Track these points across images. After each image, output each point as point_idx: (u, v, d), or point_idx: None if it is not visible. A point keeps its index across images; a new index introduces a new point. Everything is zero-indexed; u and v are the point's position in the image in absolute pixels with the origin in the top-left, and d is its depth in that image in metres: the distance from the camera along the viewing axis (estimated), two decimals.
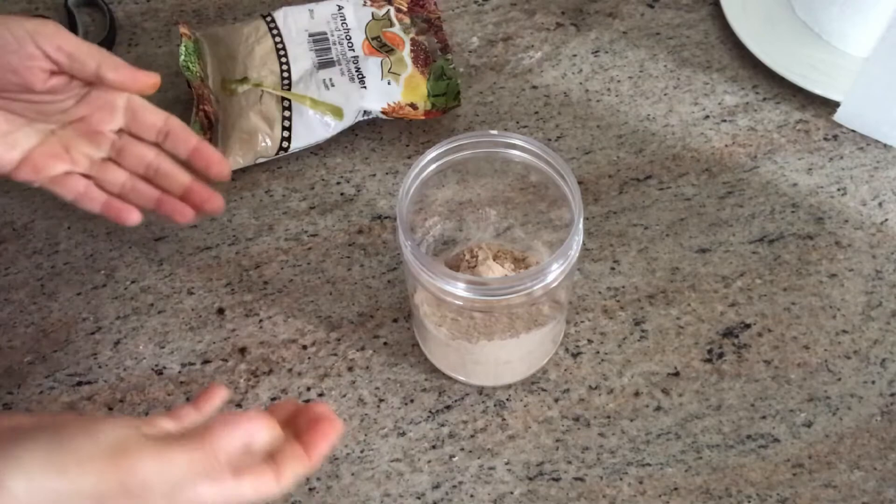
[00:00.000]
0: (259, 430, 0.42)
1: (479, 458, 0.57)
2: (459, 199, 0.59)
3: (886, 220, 0.66)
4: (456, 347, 0.56)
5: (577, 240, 0.51)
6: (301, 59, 0.69)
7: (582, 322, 0.61)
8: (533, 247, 0.60)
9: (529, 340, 0.56)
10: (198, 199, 0.57)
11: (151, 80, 0.56)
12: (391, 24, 0.71)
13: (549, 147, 0.53)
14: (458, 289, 0.50)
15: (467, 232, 0.61)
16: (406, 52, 0.70)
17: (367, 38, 0.70)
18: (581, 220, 0.51)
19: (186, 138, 0.57)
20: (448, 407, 0.58)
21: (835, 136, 0.70)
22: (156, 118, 0.57)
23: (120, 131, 0.57)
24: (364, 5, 0.72)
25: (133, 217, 0.57)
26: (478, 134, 0.54)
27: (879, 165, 0.68)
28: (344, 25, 0.71)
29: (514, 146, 0.53)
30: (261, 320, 0.62)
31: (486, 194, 0.59)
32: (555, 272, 0.50)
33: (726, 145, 0.69)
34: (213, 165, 0.57)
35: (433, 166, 0.53)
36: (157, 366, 0.60)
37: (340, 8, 0.72)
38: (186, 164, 0.58)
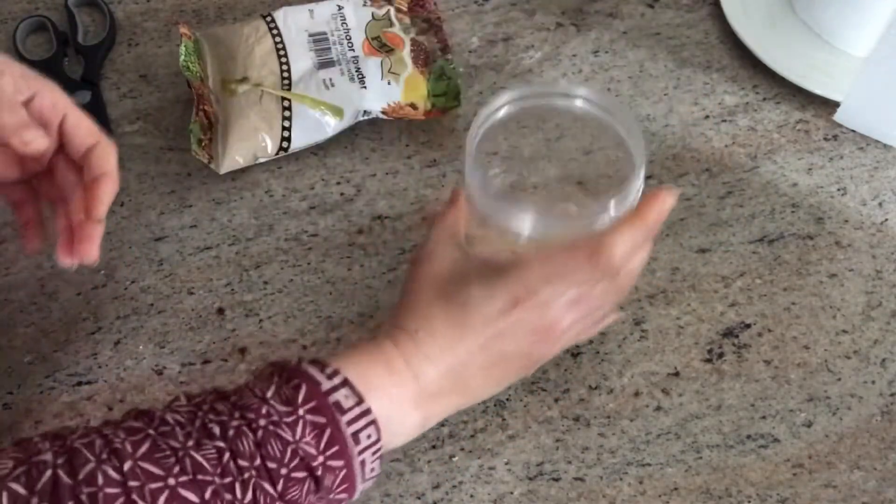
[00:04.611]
0: None
1: (479, 458, 0.57)
2: (522, 153, 0.59)
3: (886, 220, 0.66)
4: None
5: (636, 185, 0.50)
6: (301, 59, 0.69)
7: None
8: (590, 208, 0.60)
9: None
10: (79, 237, 0.53)
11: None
12: (391, 24, 0.71)
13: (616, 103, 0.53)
14: (524, 221, 0.50)
15: (527, 188, 0.61)
16: (406, 52, 0.70)
17: (367, 38, 0.70)
18: (643, 169, 0.50)
19: (96, 167, 0.53)
20: None
21: (835, 136, 0.70)
22: (89, 139, 0.53)
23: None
24: (364, 5, 0.72)
25: (35, 247, 0.55)
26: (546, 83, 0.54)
27: (879, 165, 0.68)
28: (344, 25, 0.71)
29: (578, 97, 0.54)
30: (261, 320, 0.62)
31: (547, 149, 0.59)
32: (613, 216, 0.50)
33: (726, 145, 0.69)
34: (88, 212, 0.52)
35: (503, 111, 0.53)
36: (157, 366, 0.60)
37: (340, 8, 0.72)
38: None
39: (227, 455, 0.41)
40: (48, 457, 0.40)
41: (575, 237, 0.51)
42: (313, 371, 0.45)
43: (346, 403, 0.44)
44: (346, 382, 0.45)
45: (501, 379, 0.51)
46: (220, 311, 0.62)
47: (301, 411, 0.43)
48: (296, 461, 0.42)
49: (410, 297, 0.50)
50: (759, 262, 0.64)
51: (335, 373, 0.45)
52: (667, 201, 0.49)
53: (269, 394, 0.44)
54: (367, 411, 0.45)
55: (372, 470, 0.46)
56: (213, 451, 0.41)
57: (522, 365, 0.51)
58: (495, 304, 0.48)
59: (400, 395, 0.47)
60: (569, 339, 0.51)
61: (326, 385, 0.44)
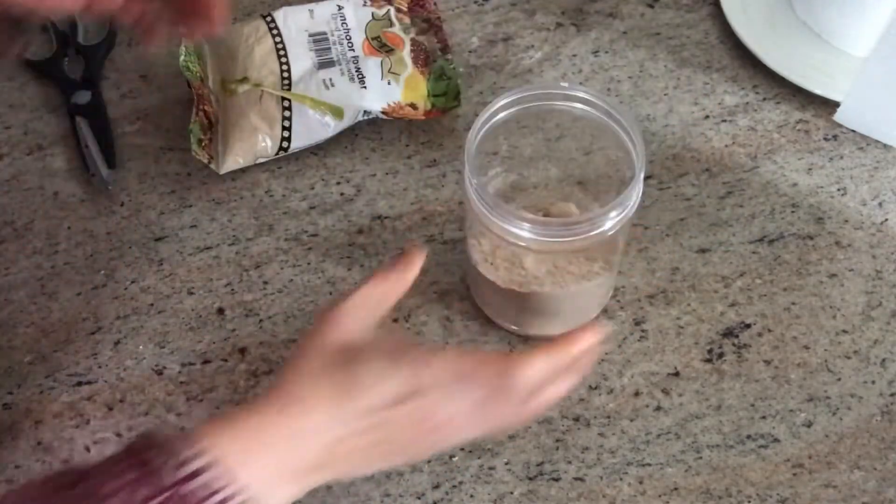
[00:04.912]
0: None
1: (479, 458, 0.57)
2: (522, 153, 0.60)
3: (886, 220, 0.66)
4: (507, 295, 0.57)
5: (637, 190, 0.52)
6: (301, 59, 0.69)
7: None
8: (590, 208, 0.61)
9: (577, 294, 0.58)
10: (198, 21, 0.50)
11: None
12: (391, 24, 0.71)
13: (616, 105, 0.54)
14: (522, 229, 0.51)
15: (528, 188, 0.62)
16: (406, 52, 0.70)
17: (367, 38, 0.70)
18: (642, 174, 0.51)
19: None
20: None
21: (835, 136, 0.70)
22: None
23: None
24: (364, 5, 0.72)
25: (152, 46, 0.52)
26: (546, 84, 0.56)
27: (879, 165, 0.68)
28: (344, 25, 0.71)
29: (578, 99, 0.55)
30: (261, 320, 0.62)
31: (547, 149, 0.60)
32: (612, 220, 0.51)
33: (726, 145, 0.69)
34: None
35: (503, 113, 0.54)
36: (157, 366, 0.60)
37: (340, 8, 0.72)
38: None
39: None
40: None
41: (570, 246, 0.51)
42: (180, 450, 0.42)
43: (214, 485, 0.41)
44: (215, 462, 0.42)
45: (384, 461, 0.48)
46: (220, 311, 0.62)
47: (164, 496, 0.40)
48: None
49: (303, 359, 0.46)
50: (759, 262, 0.64)
51: (203, 451, 0.42)
52: (591, 339, 0.47)
53: (129, 477, 0.40)
54: (237, 492, 0.41)
55: None
56: None
57: (409, 452, 0.48)
58: (391, 388, 0.45)
59: (276, 469, 0.44)
60: (462, 440, 0.48)
61: (193, 465, 0.41)
